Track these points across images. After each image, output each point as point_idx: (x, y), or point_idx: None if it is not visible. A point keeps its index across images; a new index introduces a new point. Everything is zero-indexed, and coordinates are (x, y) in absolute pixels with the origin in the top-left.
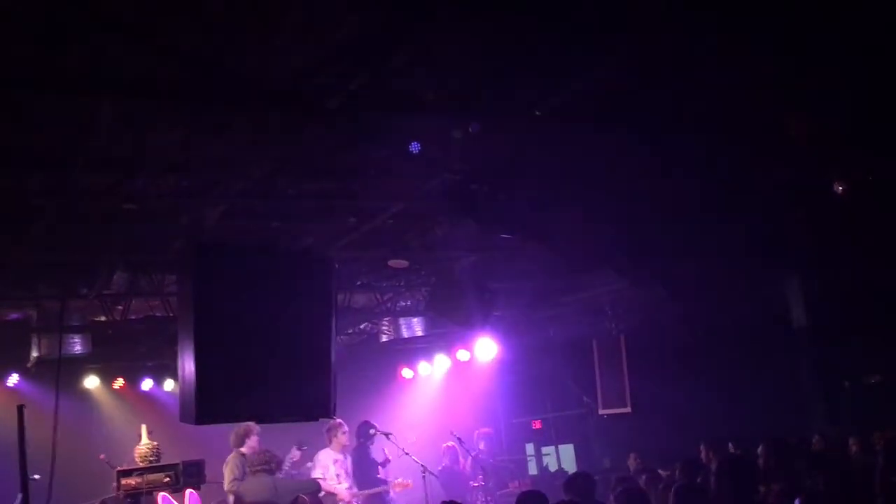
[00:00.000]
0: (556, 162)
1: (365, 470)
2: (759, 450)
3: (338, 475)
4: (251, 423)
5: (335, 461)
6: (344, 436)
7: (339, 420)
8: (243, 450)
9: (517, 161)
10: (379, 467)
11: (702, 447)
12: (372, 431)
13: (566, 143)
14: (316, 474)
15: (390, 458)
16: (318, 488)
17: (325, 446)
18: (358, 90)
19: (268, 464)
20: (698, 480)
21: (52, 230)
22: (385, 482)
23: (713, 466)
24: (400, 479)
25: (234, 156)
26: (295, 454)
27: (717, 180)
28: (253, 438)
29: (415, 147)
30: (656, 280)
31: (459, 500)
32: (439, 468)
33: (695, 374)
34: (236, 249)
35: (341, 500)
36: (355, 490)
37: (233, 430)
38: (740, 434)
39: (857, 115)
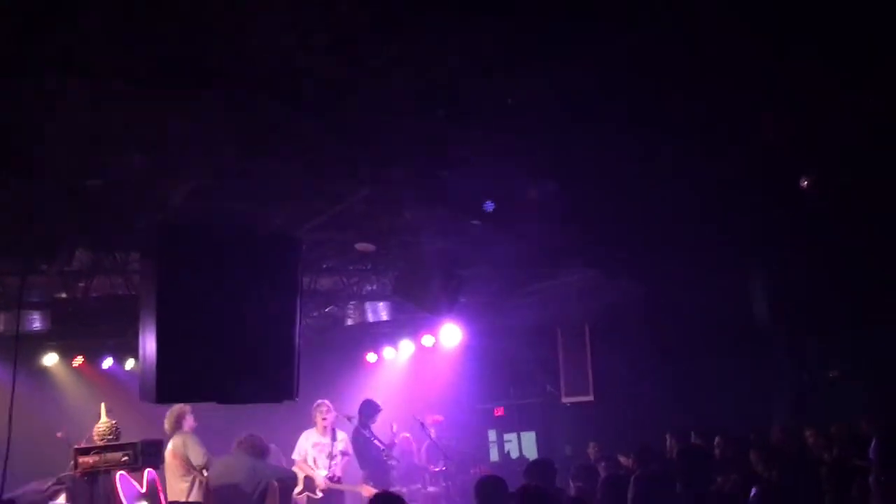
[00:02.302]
0: (526, 151)
1: (367, 452)
2: (716, 441)
3: (315, 459)
4: (183, 405)
5: (315, 444)
6: (320, 417)
7: (320, 400)
8: (186, 429)
9: (486, 149)
10: (386, 449)
11: (667, 437)
12: (374, 410)
13: (537, 132)
14: (295, 454)
15: (396, 441)
16: (295, 480)
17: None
18: (333, 77)
19: (253, 447)
20: (656, 469)
21: (12, 205)
22: (391, 463)
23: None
24: (370, 486)
25: (202, 135)
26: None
27: (686, 175)
28: (189, 418)
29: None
30: (623, 271)
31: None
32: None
33: (658, 364)
34: (201, 229)
35: (318, 486)
36: (335, 476)
37: (168, 414)
38: (703, 425)
39: (824, 112)
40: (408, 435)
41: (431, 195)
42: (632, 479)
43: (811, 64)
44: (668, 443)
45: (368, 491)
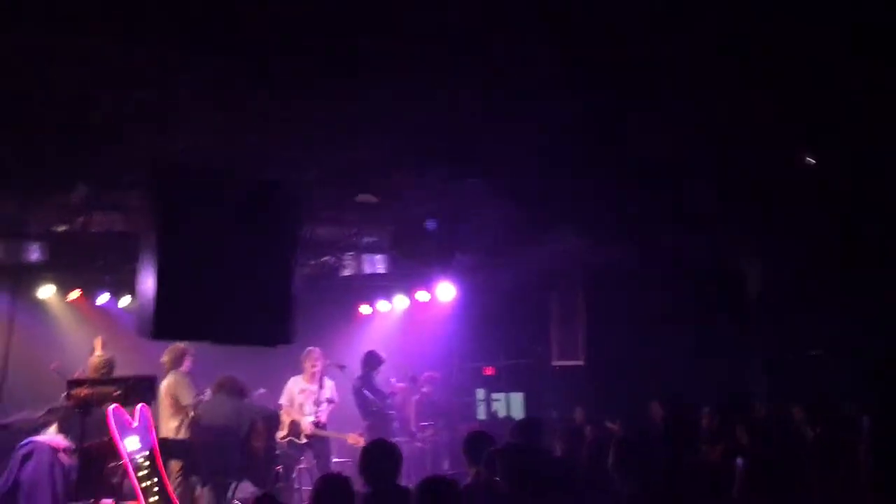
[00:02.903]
0: (528, 116)
1: (368, 403)
2: (704, 411)
3: (301, 405)
4: (186, 344)
5: (302, 391)
6: (309, 364)
7: (311, 348)
8: (182, 370)
9: (490, 111)
10: (387, 399)
11: (653, 404)
12: (378, 362)
13: (540, 97)
14: (281, 399)
15: (400, 385)
16: (279, 418)
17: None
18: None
19: (232, 388)
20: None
21: (12, 137)
22: (391, 412)
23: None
24: (356, 434)
25: (207, 73)
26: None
27: (682, 149)
28: (188, 359)
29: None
30: (618, 240)
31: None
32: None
33: (649, 332)
34: (203, 171)
35: (303, 430)
36: (320, 422)
37: (167, 351)
38: (690, 394)
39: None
40: (402, 385)
41: (428, 153)
42: (614, 441)
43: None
44: (654, 410)
45: (355, 440)
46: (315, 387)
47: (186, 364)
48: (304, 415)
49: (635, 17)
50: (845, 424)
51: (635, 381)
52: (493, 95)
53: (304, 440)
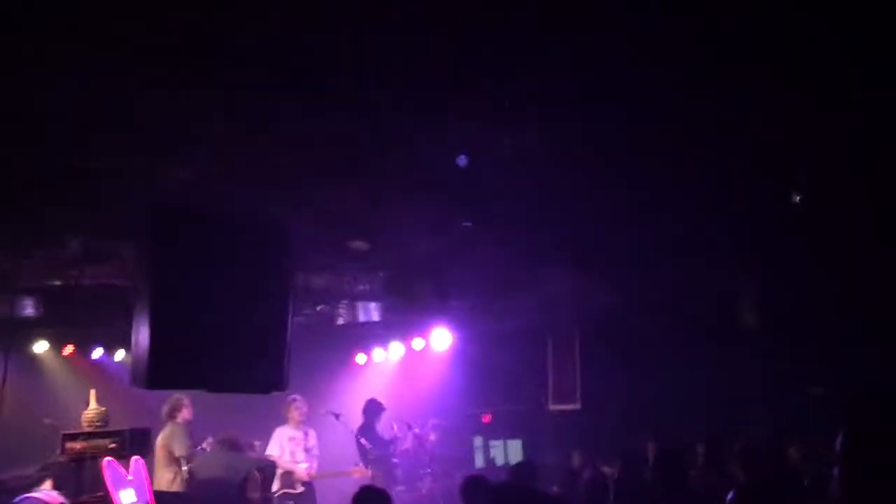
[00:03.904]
0: (518, 150)
1: (366, 449)
2: (699, 447)
3: (293, 453)
4: (182, 395)
5: (291, 438)
6: (297, 412)
7: (293, 396)
8: (179, 421)
9: (481, 147)
10: (389, 447)
11: (650, 445)
12: (379, 410)
13: (530, 130)
14: (271, 450)
15: (399, 434)
16: (275, 468)
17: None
18: (328, 56)
19: (232, 444)
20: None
21: (4, 188)
22: (394, 460)
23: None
24: (359, 466)
25: (196, 116)
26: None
27: (676, 179)
28: (185, 410)
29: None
30: (611, 276)
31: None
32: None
33: (646, 371)
34: (196, 216)
35: (299, 478)
36: (314, 469)
37: (166, 402)
38: (686, 432)
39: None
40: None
41: (421, 194)
42: (612, 482)
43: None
44: (650, 451)
45: (362, 472)
46: (301, 434)
47: (182, 415)
48: (297, 462)
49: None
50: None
51: (631, 421)
52: (483, 137)
53: (300, 489)
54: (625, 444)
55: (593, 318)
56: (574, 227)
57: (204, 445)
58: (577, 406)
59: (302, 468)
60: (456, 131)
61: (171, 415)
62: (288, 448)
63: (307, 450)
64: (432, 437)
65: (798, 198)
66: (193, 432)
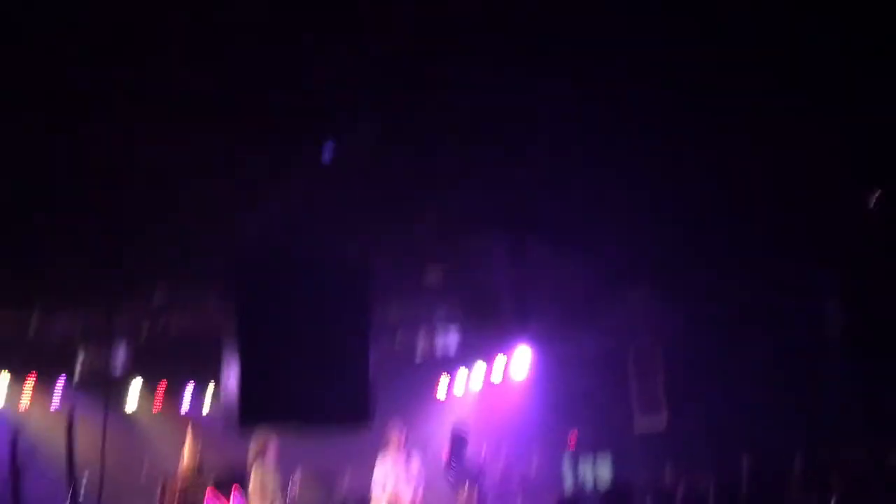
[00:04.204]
0: (596, 172)
1: (456, 481)
2: (796, 462)
3: (397, 478)
4: (267, 437)
5: (394, 464)
6: (396, 438)
7: (392, 422)
8: (267, 461)
9: (558, 171)
10: (478, 476)
11: (744, 457)
12: (464, 440)
13: (608, 153)
14: (376, 477)
15: (486, 459)
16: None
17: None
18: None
19: (322, 478)
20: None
21: (97, 243)
22: (484, 486)
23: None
24: (464, 491)
25: (275, 166)
26: None
27: (759, 194)
28: (272, 449)
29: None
30: (694, 293)
31: None
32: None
33: (734, 386)
34: (278, 260)
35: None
36: (419, 496)
37: (253, 441)
38: (778, 446)
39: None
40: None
41: (498, 219)
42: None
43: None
44: (744, 462)
45: (464, 498)
46: (403, 458)
47: (270, 454)
48: (400, 488)
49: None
50: None
51: (722, 436)
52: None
53: None
54: (715, 460)
55: (676, 331)
56: (655, 245)
57: (294, 480)
58: (664, 423)
59: (407, 495)
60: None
61: (259, 455)
62: (391, 476)
63: (409, 474)
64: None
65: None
66: (282, 466)
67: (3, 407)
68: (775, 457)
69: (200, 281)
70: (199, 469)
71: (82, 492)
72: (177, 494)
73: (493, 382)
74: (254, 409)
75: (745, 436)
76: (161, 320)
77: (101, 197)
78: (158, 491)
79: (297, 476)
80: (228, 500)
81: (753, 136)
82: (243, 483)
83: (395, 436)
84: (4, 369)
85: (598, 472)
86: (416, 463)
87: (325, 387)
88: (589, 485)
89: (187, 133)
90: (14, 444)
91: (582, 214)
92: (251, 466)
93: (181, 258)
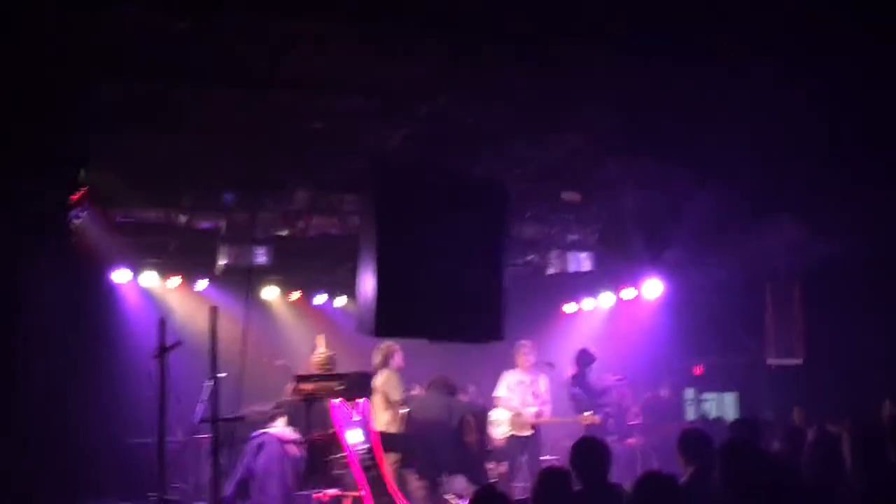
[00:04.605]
0: (742, 101)
1: (581, 399)
2: None
3: (522, 396)
4: (394, 343)
5: (520, 382)
6: (525, 357)
7: (522, 341)
8: (392, 367)
9: (702, 99)
10: (601, 397)
11: (886, 403)
12: (590, 359)
13: (754, 84)
14: (499, 393)
15: (610, 384)
16: (486, 413)
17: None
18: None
19: (445, 385)
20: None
21: (244, 144)
22: (606, 410)
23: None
24: (589, 414)
25: (420, 80)
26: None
27: None
28: (397, 356)
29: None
30: (838, 227)
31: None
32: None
33: (875, 328)
34: (419, 172)
35: (527, 422)
36: (545, 413)
37: (377, 349)
38: None
39: None
40: (617, 378)
41: (639, 145)
42: (852, 441)
43: None
44: (886, 409)
45: (591, 420)
46: (530, 378)
47: (395, 361)
48: (525, 405)
49: None
50: None
51: (861, 379)
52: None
53: (527, 432)
54: (852, 402)
55: (818, 266)
56: (799, 176)
57: (414, 392)
58: (800, 361)
59: (529, 412)
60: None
61: (385, 362)
62: (517, 391)
63: (536, 394)
64: (663, 392)
65: None
66: (406, 377)
67: (152, 293)
68: None
69: (338, 188)
70: (329, 370)
71: (224, 374)
72: (308, 393)
73: (623, 304)
74: (389, 320)
75: (886, 382)
76: (299, 223)
77: (251, 99)
78: (289, 384)
79: (416, 389)
80: (354, 412)
81: None
82: (370, 389)
83: (523, 357)
84: (152, 268)
85: (723, 404)
86: (543, 383)
87: (458, 302)
88: (712, 416)
89: (338, 48)
90: (162, 326)
91: (723, 140)
92: (375, 373)
93: (323, 165)
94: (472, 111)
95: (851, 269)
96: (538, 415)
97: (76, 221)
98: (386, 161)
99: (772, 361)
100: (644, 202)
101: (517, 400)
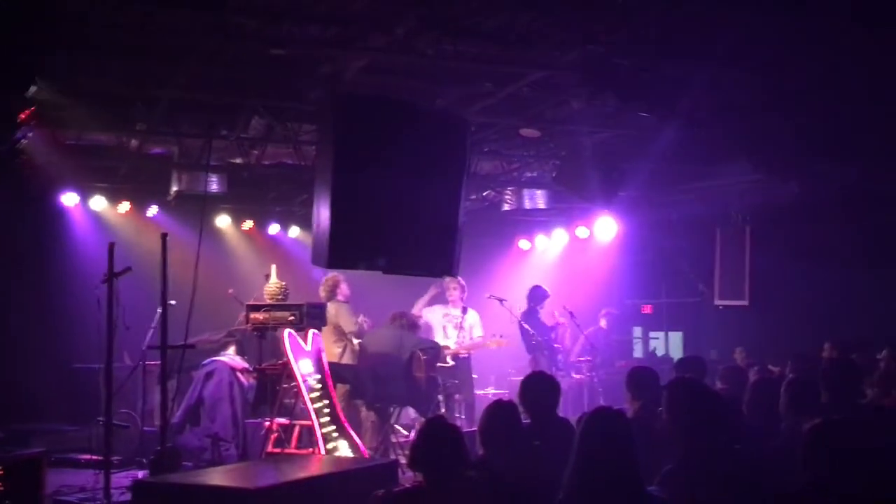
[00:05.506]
0: (705, 44)
1: (530, 334)
2: (882, 354)
3: (444, 329)
4: (338, 274)
5: (445, 315)
6: (454, 291)
7: (449, 278)
8: (340, 299)
9: (666, 38)
10: (551, 333)
11: (826, 346)
12: (542, 297)
13: (721, 24)
14: (429, 320)
15: (561, 320)
16: (439, 350)
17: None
18: None
19: (405, 321)
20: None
21: (199, 70)
22: (556, 346)
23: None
24: (498, 337)
25: (379, 9)
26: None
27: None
28: (343, 287)
29: None
30: (790, 175)
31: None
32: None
33: (820, 273)
34: (376, 103)
35: (447, 351)
36: (463, 346)
37: (323, 282)
38: (862, 337)
39: None
40: (563, 320)
41: (601, 84)
42: (784, 383)
43: None
44: (826, 352)
45: (498, 343)
46: (457, 312)
47: (342, 292)
48: (447, 338)
49: None
50: None
51: (803, 322)
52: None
53: (450, 363)
54: (794, 344)
55: (766, 212)
56: (755, 122)
57: (360, 321)
58: (745, 302)
59: (450, 343)
60: None
61: (332, 294)
62: (441, 324)
63: (461, 328)
64: (602, 323)
65: None
66: (354, 310)
67: (102, 218)
68: (858, 350)
69: (295, 118)
70: (282, 301)
71: (174, 302)
72: (259, 322)
73: (576, 242)
74: (342, 251)
75: (829, 326)
76: (254, 151)
77: (209, 22)
78: (241, 314)
79: (363, 319)
80: (306, 342)
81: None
82: (322, 320)
83: (451, 291)
84: (102, 193)
85: (670, 343)
86: (470, 319)
87: (413, 235)
88: (660, 353)
89: None
90: (111, 251)
91: (682, 83)
92: (332, 302)
93: (279, 93)
94: (431, 43)
95: (800, 215)
96: (457, 350)
97: (23, 141)
98: (344, 92)
99: (719, 302)
100: (600, 142)
101: (441, 333)
